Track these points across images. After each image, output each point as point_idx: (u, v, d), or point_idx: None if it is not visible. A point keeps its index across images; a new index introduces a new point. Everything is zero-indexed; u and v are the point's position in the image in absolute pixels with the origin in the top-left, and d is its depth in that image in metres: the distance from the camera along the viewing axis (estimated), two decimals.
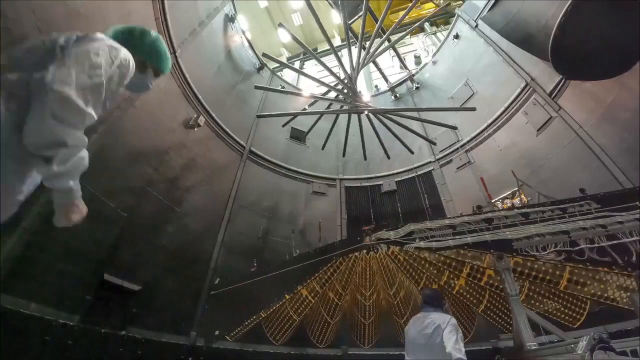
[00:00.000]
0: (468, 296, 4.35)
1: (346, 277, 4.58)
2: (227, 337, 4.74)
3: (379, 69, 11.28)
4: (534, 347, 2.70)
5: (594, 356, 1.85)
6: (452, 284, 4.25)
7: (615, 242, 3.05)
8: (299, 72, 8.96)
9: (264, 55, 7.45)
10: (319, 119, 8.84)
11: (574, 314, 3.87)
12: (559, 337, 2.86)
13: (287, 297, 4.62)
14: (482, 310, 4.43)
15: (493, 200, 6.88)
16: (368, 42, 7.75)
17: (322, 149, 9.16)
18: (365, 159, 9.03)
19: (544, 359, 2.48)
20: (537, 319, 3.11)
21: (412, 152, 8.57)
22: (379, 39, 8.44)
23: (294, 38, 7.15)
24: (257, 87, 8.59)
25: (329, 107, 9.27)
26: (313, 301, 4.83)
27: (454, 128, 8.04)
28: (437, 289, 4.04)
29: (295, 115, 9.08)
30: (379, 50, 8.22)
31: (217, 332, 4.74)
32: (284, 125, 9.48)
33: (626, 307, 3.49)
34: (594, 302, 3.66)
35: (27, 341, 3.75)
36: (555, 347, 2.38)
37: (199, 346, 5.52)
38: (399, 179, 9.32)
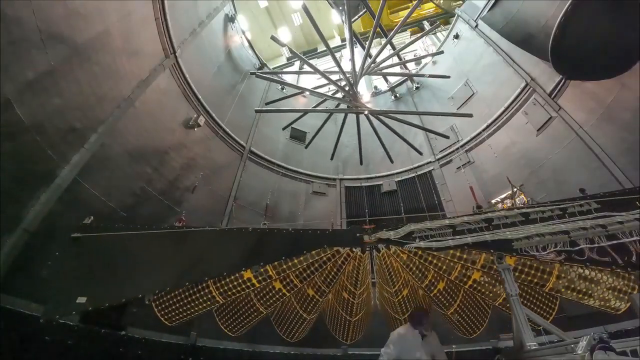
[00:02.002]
0: (442, 299, 4.37)
1: (333, 274, 4.13)
2: (90, 307, 3.18)
3: (382, 74, 11.27)
4: (534, 347, 2.69)
5: (594, 356, 1.85)
6: (432, 288, 4.24)
7: (615, 242, 3.05)
8: (304, 60, 8.84)
9: (272, 38, 7.41)
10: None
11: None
12: (559, 337, 2.85)
13: (211, 281, 3.64)
14: (450, 313, 4.44)
15: (493, 201, 6.88)
16: (368, 44, 7.71)
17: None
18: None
19: (544, 359, 2.47)
20: (537, 319, 3.11)
21: (392, 161, 8.64)
22: (379, 38, 8.43)
23: (315, 26, 6.86)
24: (257, 76, 8.66)
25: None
26: (288, 294, 4.27)
27: (446, 137, 8.04)
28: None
29: (293, 111, 9.09)
30: (383, 58, 8.22)
31: (82, 300, 3.11)
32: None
33: (612, 311, 3.52)
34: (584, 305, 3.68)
35: (27, 341, 3.75)
36: (555, 347, 2.37)
37: (199, 346, 5.52)
38: (399, 179, 9.33)
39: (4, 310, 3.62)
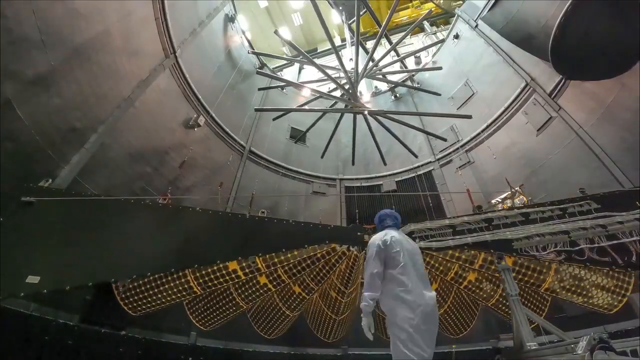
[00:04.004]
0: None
1: (324, 272, 3.97)
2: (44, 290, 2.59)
3: (384, 76, 11.28)
4: (534, 347, 2.70)
5: (594, 356, 1.85)
6: None
7: (615, 242, 3.05)
8: (306, 56, 8.88)
9: (275, 32, 7.42)
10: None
11: None
12: (559, 337, 2.86)
13: (189, 270, 3.23)
14: (441, 314, 4.40)
15: (493, 201, 6.88)
16: (368, 45, 7.74)
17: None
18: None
19: (544, 359, 2.48)
20: (537, 319, 3.11)
21: (385, 163, 8.65)
22: (381, 39, 8.42)
23: (322, 20, 6.81)
24: (258, 73, 8.67)
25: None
26: (273, 290, 4.05)
27: (444, 139, 8.06)
28: None
29: (292, 110, 9.11)
30: (384, 60, 8.27)
31: (34, 280, 2.56)
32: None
33: (604, 310, 3.53)
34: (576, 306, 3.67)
35: (27, 341, 3.74)
36: (555, 347, 2.38)
37: (199, 346, 5.52)
38: (399, 179, 9.32)
39: (4, 310, 3.61)
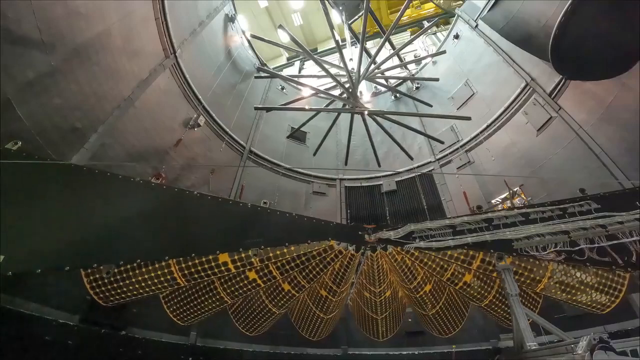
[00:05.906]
0: (427, 300, 4.38)
1: (317, 270, 3.83)
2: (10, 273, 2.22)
3: (386, 81, 11.31)
4: (534, 347, 2.70)
5: (594, 356, 1.85)
6: (419, 289, 4.24)
7: (615, 242, 3.05)
8: (309, 54, 8.98)
9: (280, 27, 7.51)
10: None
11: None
12: (559, 337, 2.86)
13: (173, 261, 2.97)
14: (432, 314, 4.49)
15: (493, 201, 6.89)
16: (368, 45, 7.76)
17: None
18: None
19: (544, 359, 2.48)
20: (537, 319, 3.11)
21: (379, 165, 8.75)
22: (379, 38, 8.46)
23: (328, 19, 7.08)
24: (259, 69, 8.68)
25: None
26: (262, 286, 3.88)
27: (441, 142, 8.07)
28: None
29: (291, 109, 9.13)
30: (385, 62, 8.33)
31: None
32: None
33: (596, 310, 3.54)
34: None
35: (27, 341, 3.75)
36: (555, 347, 2.38)
37: (199, 346, 5.52)
38: (399, 178, 9.32)
39: (4, 310, 3.61)
